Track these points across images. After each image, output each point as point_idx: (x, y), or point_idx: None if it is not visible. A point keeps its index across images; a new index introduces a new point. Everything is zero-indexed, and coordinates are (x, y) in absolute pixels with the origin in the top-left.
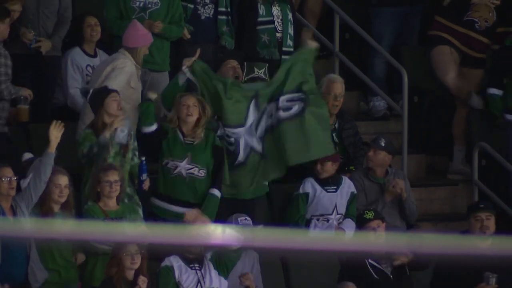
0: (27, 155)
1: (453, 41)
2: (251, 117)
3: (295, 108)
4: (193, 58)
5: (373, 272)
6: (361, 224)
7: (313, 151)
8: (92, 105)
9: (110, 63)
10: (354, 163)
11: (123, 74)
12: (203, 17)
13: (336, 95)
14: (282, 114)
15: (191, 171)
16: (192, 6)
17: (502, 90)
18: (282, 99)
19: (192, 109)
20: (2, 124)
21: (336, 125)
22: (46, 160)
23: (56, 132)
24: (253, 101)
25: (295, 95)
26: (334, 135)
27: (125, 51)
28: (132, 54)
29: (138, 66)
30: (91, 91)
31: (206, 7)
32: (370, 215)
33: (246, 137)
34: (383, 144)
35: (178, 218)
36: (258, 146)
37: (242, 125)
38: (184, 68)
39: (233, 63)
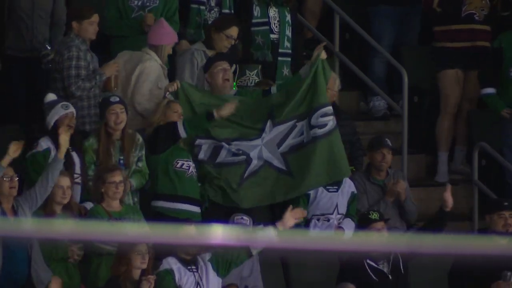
0: (51, 97)
1: (457, 45)
2: (267, 131)
3: (330, 123)
4: (175, 85)
5: (371, 274)
6: (366, 224)
7: (334, 173)
8: (100, 115)
9: (137, 64)
10: (354, 164)
11: (150, 77)
12: (210, 22)
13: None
14: (318, 131)
15: (195, 169)
16: (204, 7)
17: (495, 88)
18: (315, 116)
19: (182, 117)
20: (82, 123)
21: None
22: (55, 165)
23: (66, 136)
24: (269, 121)
25: (327, 109)
26: None
27: (149, 50)
28: (156, 52)
29: (164, 66)
30: (101, 99)
31: (212, 11)
32: (375, 215)
33: (262, 150)
34: (391, 144)
35: (193, 218)
36: (278, 163)
37: (255, 138)
38: (167, 95)
39: (224, 65)
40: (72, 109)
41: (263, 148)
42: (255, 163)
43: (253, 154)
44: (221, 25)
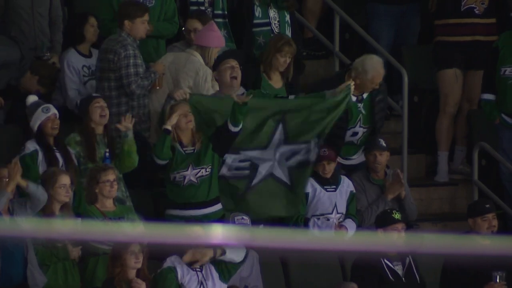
0: (32, 98)
1: (457, 39)
2: (276, 140)
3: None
4: (182, 92)
5: (389, 273)
6: (388, 223)
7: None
8: (80, 113)
9: (183, 66)
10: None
11: (209, 78)
12: None
13: (377, 84)
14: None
15: (199, 174)
16: (203, 8)
17: (494, 95)
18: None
19: (190, 116)
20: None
21: (365, 95)
22: (33, 193)
23: (20, 182)
24: (280, 125)
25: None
26: (361, 105)
27: (194, 51)
28: (203, 53)
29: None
30: (79, 100)
31: (206, 11)
32: (398, 216)
33: (274, 166)
34: (384, 144)
35: (196, 221)
36: (283, 176)
37: (263, 147)
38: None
39: (232, 62)
40: (53, 111)
41: (275, 164)
42: (260, 177)
43: (263, 167)
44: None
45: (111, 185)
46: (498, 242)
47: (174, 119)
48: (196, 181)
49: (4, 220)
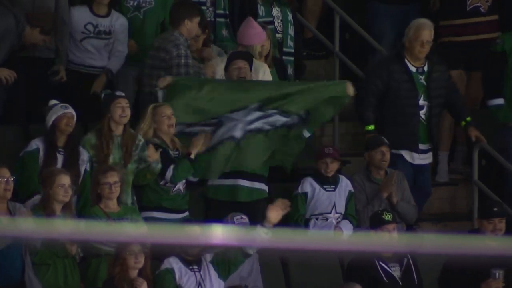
0: (53, 102)
1: (463, 39)
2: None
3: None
4: (168, 80)
5: (383, 275)
6: (378, 224)
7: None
8: (103, 109)
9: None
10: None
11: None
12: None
13: (423, 42)
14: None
15: (185, 183)
16: (205, 8)
17: (503, 98)
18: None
19: (172, 119)
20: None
21: (425, 68)
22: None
23: None
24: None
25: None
26: (422, 77)
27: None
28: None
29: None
30: (103, 95)
31: (207, 11)
32: (388, 217)
33: (235, 123)
34: (388, 142)
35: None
36: (238, 134)
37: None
38: (157, 88)
39: (240, 63)
40: (71, 110)
41: (238, 125)
42: (222, 131)
43: (226, 126)
44: None
45: (110, 187)
46: (499, 242)
47: (198, 147)
48: (182, 191)
49: (4, 220)
